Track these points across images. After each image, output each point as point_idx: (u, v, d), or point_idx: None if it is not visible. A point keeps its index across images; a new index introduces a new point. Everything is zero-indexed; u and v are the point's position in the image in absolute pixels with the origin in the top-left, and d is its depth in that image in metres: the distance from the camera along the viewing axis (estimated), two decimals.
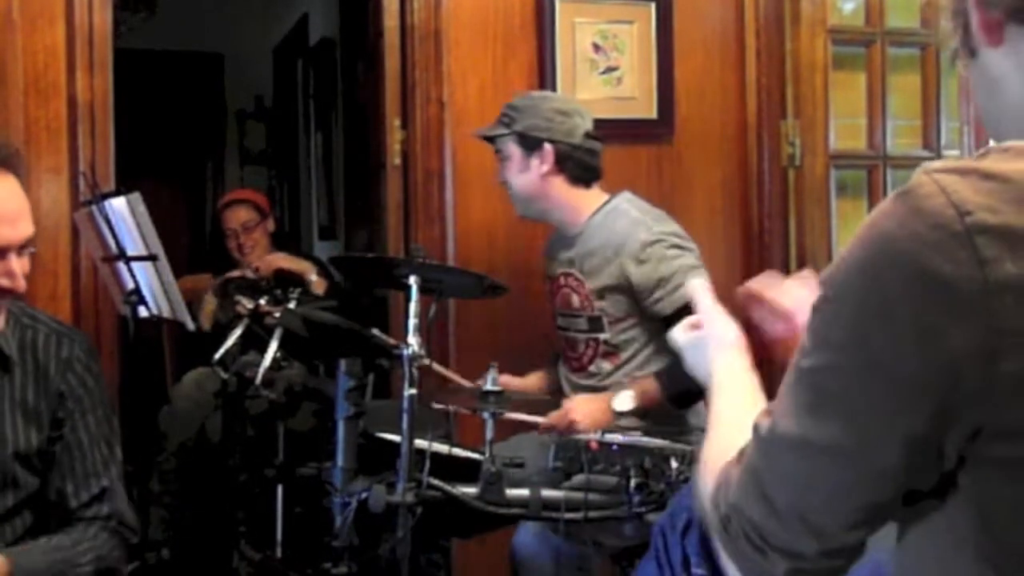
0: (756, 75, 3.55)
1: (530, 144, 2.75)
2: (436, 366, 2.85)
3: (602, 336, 2.74)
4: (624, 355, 2.73)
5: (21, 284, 1.80)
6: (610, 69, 3.44)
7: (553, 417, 2.51)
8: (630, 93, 3.44)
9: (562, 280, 2.82)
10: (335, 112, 5.56)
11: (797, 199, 3.58)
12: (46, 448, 1.93)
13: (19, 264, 1.80)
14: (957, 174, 0.85)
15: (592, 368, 2.77)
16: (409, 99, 3.35)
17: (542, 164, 2.75)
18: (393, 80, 3.37)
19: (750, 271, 3.33)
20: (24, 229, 1.81)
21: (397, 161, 3.38)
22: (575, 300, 2.78)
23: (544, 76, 3.38)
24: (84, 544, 1.91)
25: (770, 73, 3.55)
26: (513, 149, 2.77)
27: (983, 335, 0.82)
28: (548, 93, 3.18)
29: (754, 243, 3.55)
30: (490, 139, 2.84)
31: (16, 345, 1.93)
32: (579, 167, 2.77)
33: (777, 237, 3.56)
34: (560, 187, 2.78)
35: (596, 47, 3.43)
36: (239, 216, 4.07)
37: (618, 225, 2.72)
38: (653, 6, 3.47)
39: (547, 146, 2.74)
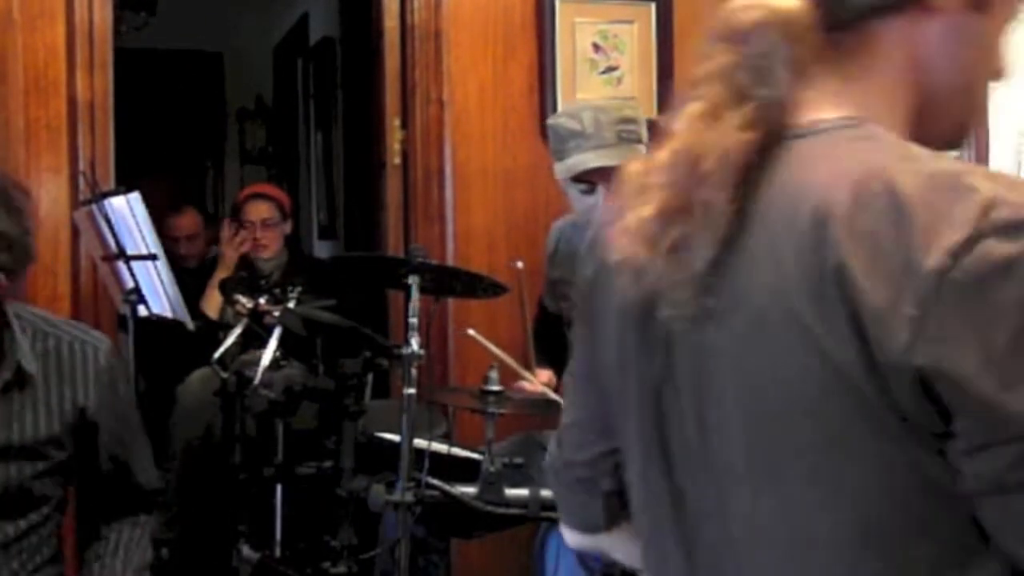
0: None
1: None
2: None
3: None
4: None
5: None
6: (610, 69, 3.44)
7: None
8: (630, 93, 3.44)
9: None
10: (335, 112, 5.56)
11: None
12: (66, 461, 1.91)
13: None
14: None
15: None
16: (409, 99, 3.35)
17: None
18: (393, 80, 3.37)
19: None
20: None
21: (397, 161, 3.38)
22: None
23: (544, 76, 3.38)
24: (144, 540, 2.01)
25: None
26: None
27: None
28: (598, 102, 3.03)
29: None
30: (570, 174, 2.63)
31: (38, 356, 1.87)
32: None
33: None
34: None
35: (596, 47, 3.43)
36: (260, 211, 4.02)
37: None
38: (653, 6, 3.47)
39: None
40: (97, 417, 1.91)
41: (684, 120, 0.84)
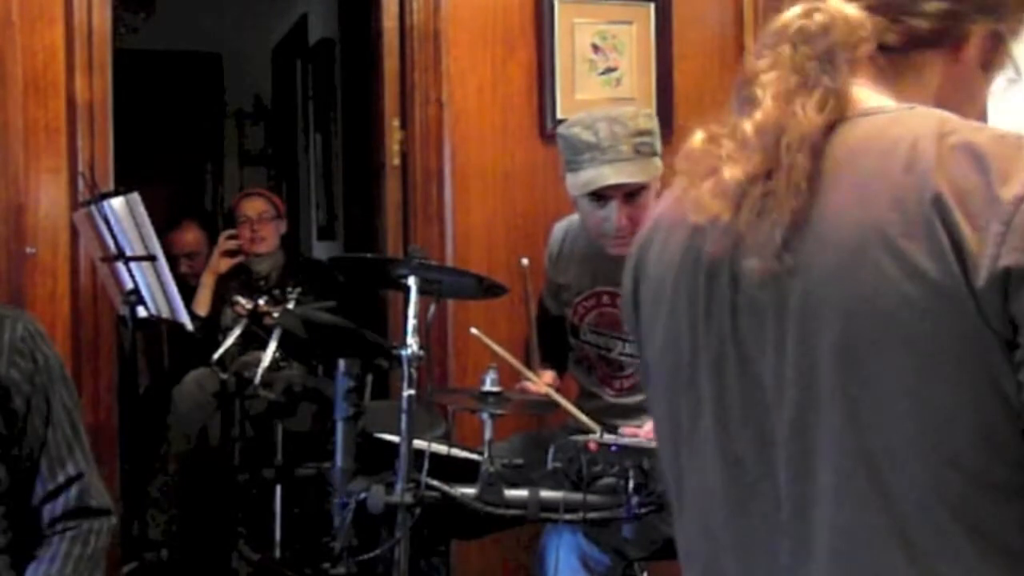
0: None
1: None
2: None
3: None
4: None
5: None
6: (609, 70, 3.44)
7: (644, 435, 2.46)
8: (629, 94, 3.44)
9: (606, 299, 2.73)
10: (334, 112, 5.56)
11: None
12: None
13: None
14: None
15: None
16: (408, 99, 3.35)
17: (658, 179, 2.55)
18: (392, 80, 3.37)
19: None
20: None
21: (396, 161, 3.38)
22: None
23: (543, 77, 3.38)
24: (74, 552, 1.84)
25: None
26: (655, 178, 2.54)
27: None
28: (612, 111, 2.73)
29: None
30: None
31: None
32: None
33: None
34: None
35: (595, 48, 3.43)
36: (256, 206, 4.11)
37: None
38: (652, 7, 3.47)
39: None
40: (9, 381, 1.84)
41: (767, 99, 0.98)
